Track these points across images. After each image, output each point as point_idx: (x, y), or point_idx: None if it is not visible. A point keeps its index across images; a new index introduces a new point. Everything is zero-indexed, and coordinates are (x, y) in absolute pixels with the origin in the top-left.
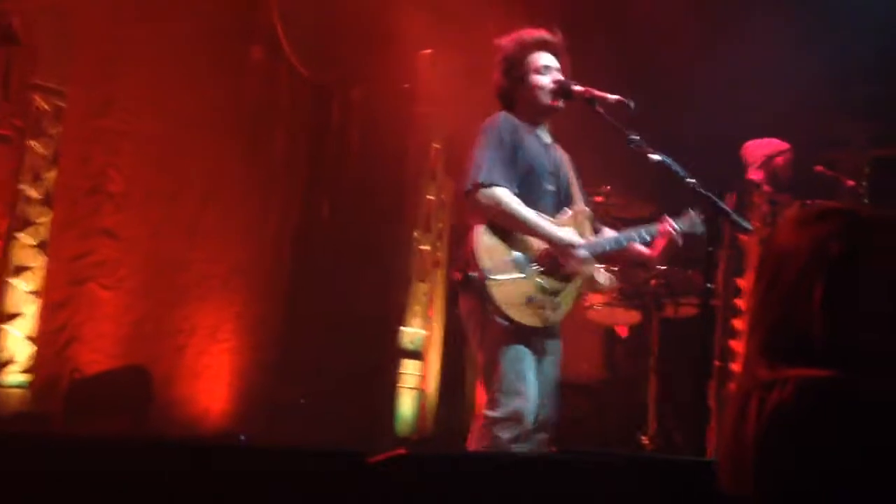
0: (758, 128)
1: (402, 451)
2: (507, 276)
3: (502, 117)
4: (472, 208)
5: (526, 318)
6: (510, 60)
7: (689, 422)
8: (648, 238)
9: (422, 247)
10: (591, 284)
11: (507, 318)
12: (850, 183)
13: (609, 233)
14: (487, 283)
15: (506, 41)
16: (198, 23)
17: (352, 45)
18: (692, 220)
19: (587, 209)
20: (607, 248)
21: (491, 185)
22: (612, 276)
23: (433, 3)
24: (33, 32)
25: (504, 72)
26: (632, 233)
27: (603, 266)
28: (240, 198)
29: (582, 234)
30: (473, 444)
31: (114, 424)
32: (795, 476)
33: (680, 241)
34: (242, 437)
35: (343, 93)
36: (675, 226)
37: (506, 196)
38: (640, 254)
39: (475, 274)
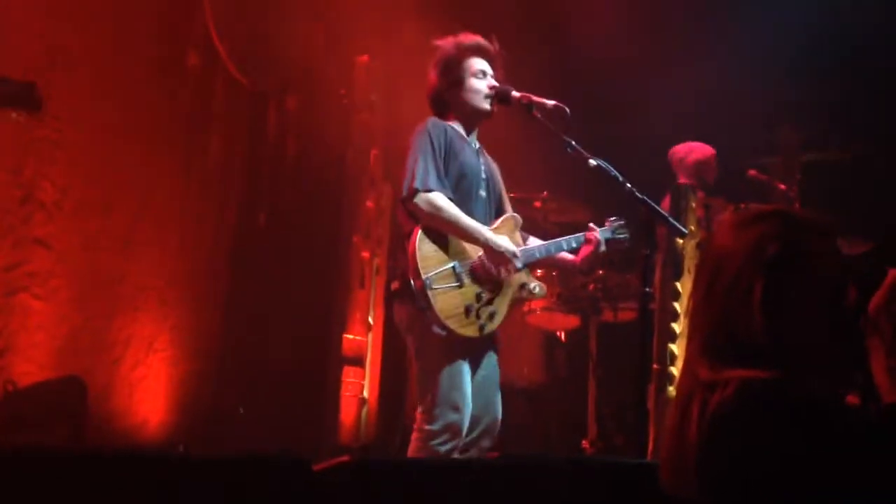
0: (693, 134)
1: (346, 458)
2: (446, 286)
3: (431, 123)
4: (410, 215)
5: (464, 328)
6: (448, 62)
7: (630, 425)
8: (576, 245)
9: (362, 253)
10: (524, 292)
11: (446, 328)
12: (782, 187)
13: (534, 240)
14: (429, 293)
15: (444, 42)
16: (132, 30)
17: (288, 52)
18: (613, 227)
19: (517, 216)
20: (537, 255)
21: (427, 190)
22: (543, 285)
23: (369, 10)
24: None
25: (441, 73)
26: (561, 241)
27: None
28: (175, 207)
29: (512, 241)
30: (411, 456)
31: (49, 436)
32: (736, 475)
33: (603, 248)
34: (181, 447)
35: (280, 100)
36: (598, 233)
37: (443, 201)
38: (564, 261)
39: (415, 283)
